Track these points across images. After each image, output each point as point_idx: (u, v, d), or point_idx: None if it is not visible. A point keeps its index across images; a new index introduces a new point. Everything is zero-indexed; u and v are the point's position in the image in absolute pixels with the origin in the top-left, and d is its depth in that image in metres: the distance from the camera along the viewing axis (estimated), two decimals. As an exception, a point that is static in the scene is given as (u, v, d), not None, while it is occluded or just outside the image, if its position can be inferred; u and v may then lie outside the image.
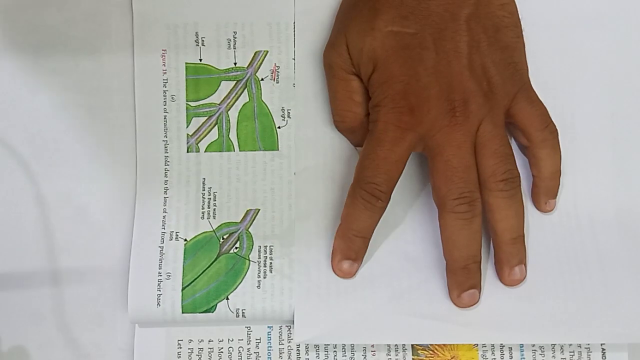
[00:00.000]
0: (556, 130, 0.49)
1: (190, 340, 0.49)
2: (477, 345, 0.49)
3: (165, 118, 0.51)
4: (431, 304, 0.48)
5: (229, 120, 0.51)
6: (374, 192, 0.47)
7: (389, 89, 0.47)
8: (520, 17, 0.49)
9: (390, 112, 0.47)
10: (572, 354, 0.49)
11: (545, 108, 0.49)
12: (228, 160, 0.51)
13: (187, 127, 0.51)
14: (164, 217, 0.50)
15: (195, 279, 0.48)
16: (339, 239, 0.48)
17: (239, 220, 0.50)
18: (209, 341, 0.49)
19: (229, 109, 0.51)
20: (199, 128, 0.51)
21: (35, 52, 0.51)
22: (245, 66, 0.52)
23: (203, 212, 0.50)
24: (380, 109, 0.47)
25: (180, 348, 0.49)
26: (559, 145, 0.49)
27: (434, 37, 0.47)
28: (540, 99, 0.49)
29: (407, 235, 0.50)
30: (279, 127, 0.51)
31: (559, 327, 0.48)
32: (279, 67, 0.52)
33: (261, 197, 0.50)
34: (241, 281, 0.49)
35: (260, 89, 0.51)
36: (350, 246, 0.48)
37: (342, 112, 0.50)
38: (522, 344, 0.49)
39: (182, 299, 0.48)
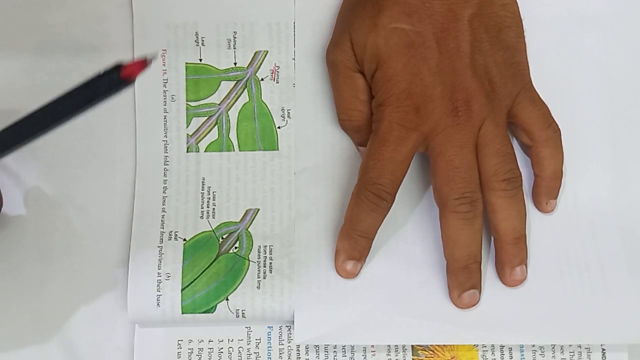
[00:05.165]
0: (559, 129, 0.49)
1: (190, 341, 0.49)
2: (477, 345, 0.49)
3: (165, 118, 0.51)
4: (431, 305, 0.48)
5: (229, 120, 0.51)
6: (379, 193, 0.46)
7: (393, 88, 0.47)
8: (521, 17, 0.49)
9: (395, 112, 0.47)
10: (572, 354, 0.49)
11: (547, 107, 0.49)
12: (228, 160, 0.51)
13: (187, 127, 0.51)
14: (162, 216, 0.50)
15: (195, 279, 0.48)
16: (343, 239, 0.48)
17: (238, 220, 0.50)
18: (209, 341, 0.49)
19: (229, 109, 0.51)
20: (198, 128, 0.51)
21: (35, 52, 0.51)
22: (245, 66, 0.52)
23: (202, 212, 0.50)
24: (384, 108, 0.47)
25: (180, 348, 0.49)
26: (562, 145, 0.49)
27: (437, 36, 0.47)
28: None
29: (407, 235, 0.50)
30: (278, 127, 0.51)
31: (559, 328, 0.48)
32: (279, 67, 0.52)
33: (261, 197, 0.50)
34: (241, 281, 0.48)
35: (260, 89, 0.51)
36: (354, 247, 0.48)
37: (348, 111, 0.50)
38: (522, 345, 0.49)
39: (181, 300, 0.48)
